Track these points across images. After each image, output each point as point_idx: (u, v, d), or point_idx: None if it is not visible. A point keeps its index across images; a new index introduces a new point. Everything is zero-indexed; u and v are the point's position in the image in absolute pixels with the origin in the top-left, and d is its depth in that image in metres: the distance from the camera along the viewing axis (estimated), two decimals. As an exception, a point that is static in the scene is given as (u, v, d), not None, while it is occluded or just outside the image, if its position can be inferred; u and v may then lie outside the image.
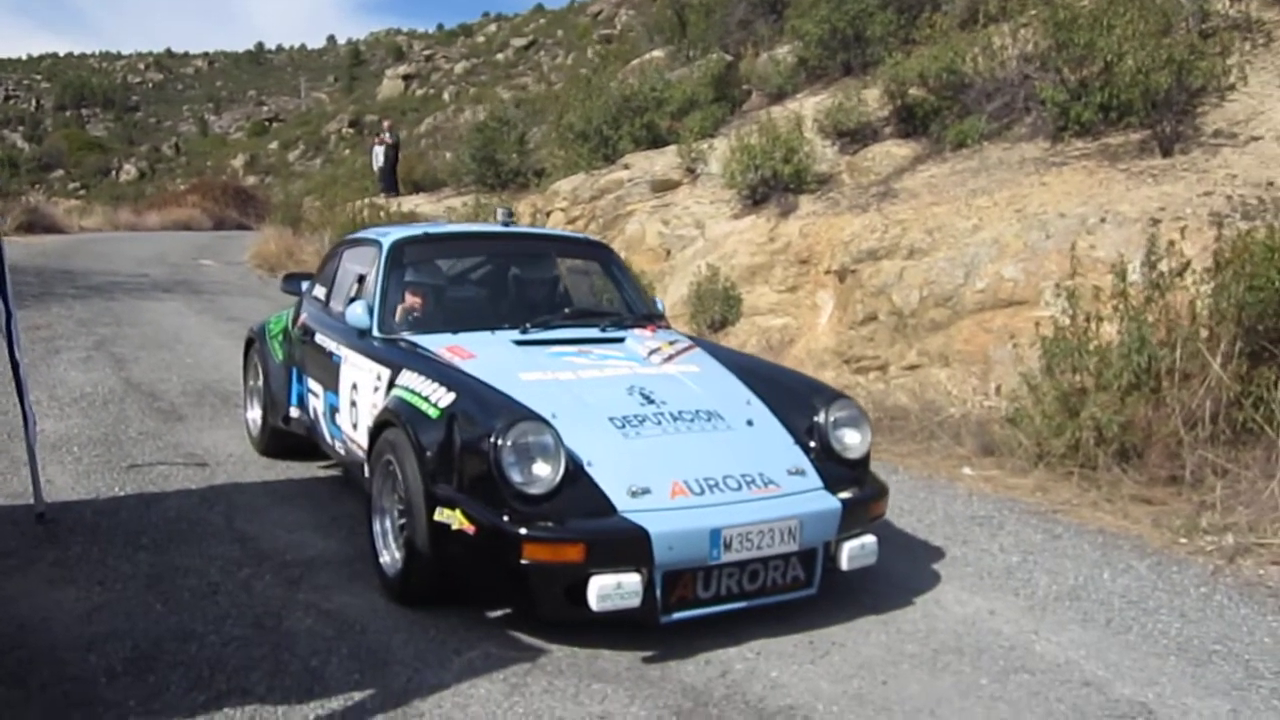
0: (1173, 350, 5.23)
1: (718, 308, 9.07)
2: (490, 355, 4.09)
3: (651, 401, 3.78)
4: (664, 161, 11.95)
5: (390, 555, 3.83)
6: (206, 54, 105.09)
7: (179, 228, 25.20)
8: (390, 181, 19.82)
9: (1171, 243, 5.52)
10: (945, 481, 5.54)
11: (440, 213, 15.77)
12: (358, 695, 3.07)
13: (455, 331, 4.36)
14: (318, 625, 3.55)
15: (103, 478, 5.25)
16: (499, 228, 5.26)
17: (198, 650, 3.34)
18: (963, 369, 7.10)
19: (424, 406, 3.66)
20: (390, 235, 4.91)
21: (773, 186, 9.78)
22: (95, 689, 3.08)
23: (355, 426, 4.46)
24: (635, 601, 3.23)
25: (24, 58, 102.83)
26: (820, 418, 3.84)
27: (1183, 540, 4.47)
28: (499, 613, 3.62)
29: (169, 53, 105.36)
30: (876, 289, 7.96)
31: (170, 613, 3.63)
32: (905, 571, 4.12)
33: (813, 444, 3.80)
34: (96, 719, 2.92)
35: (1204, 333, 5.27)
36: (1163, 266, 5.43)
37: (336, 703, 3.02)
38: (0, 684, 3.09)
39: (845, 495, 3.62)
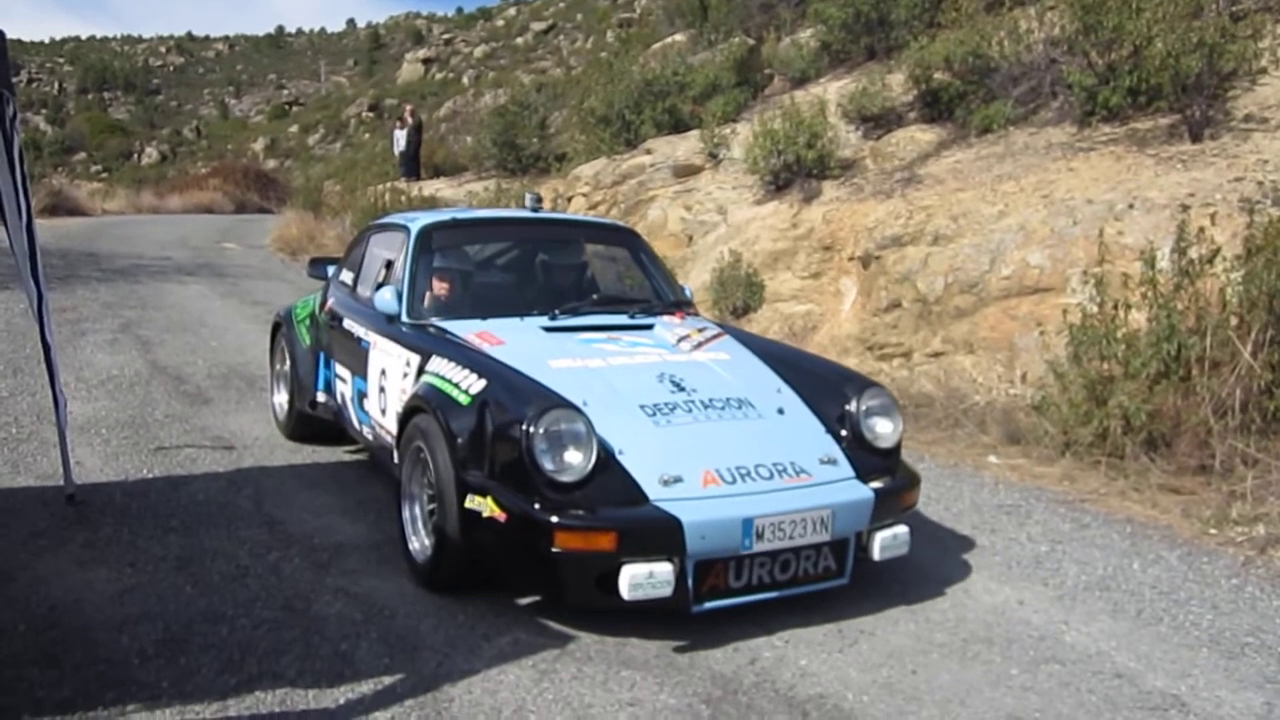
0: (1202, 338, 5.17)
1: (740, 294, 9.04)
2: (520, 342, 4.07)
3: (682, 389, 3.76)
4: (686, 146, 11.90)
5: (420, 542, 3.83)
6: (227, 37, 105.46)
7: (200, 211, 25.34)
8: (412, 166, 19.82)
9: (1201, 229, 5.46)
10: (971, 470, 5.52)
11: (461, 197, 15.79)
12: (388, 680, 3.08)
13: (484, 317, 4.35)
14: (347, 609, 3.56)
15: (131, 460, 5.28)
16: (527, 213, 5.21)
17: (228, 633, 3.36)
18: (988, 356, 7.05)
19: (454, 393, 3.64)
20: (418, 220, 4.88)
21: (796, 172, 9.73)
22: (128, 670, 3.10)
23: (384, 412, 4.45)
24: (667, 591, 3.20)
25: (46, 41, 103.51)
26: (852, 406, 3.80)
27: (1213, 531, 4.44)
28: (527, 599, 3.62)
29: (190, 36, 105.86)
30: (901, 275, 7.90)
31: (200, 595, 3.66)
32: (933, 560, 4.10)
33: (844, 433, 3.76)
34: (129, 700, 2.93)
35: (1234, 320, 5.21)
36: (1193, 253, 5.38)
37: (366, 687, 3.04)
38: (34, 664, 3.12)
39: (877, 485, 3.59)
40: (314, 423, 5.57)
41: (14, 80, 4.12)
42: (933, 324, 7.56)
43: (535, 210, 5.25)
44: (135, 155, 68.55)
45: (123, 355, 7.81)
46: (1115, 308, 5.49)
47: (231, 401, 6.61)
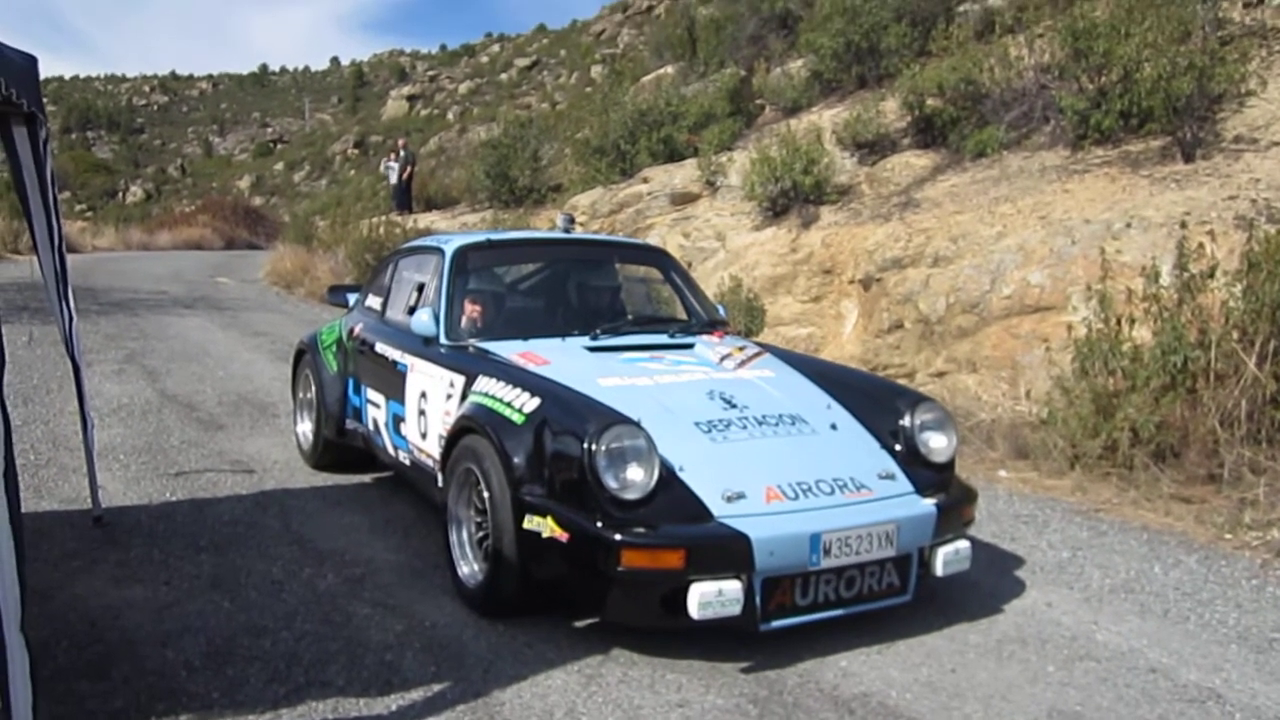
0: (1206, 351, 5.28)
1: (741, 319, 9.12)
2: (565, 362, 4.03)
3: (734, 406, 3.73)
4: (683, 174, 12.06)
5: (470, 567, 3.77)
6: (211, 76, 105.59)
7: (190, 247, 25.42)
8: (404, 199, 19.94)
9: (1200, 245, 5.59)
10: (984, 483, 5.57)
11: (456, 229, 15.87)
12: (436, 687, 3.11)
13: (525, 338, 4.30)
14: (387, 621, 3.60)
15: (152, 484, 5.30)
16: (560, 234, 5.21)
17: (271, 645, 3.39)
18: (991, 374, 7.16)
19: (507, 412, 3.59)
20: (453, 242, 4.85)
21: (793, 198, 9.89)
22: (177, 681, 3.13)
23: (424, 436, 4.39)
24: (736, 609, 3.13)
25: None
26: (905, 421, 3.76)
27: (1228, 536, 4.53)
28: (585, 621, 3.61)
29: (173, 75, 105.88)
30: (902, 297, 8.03)
31: (239, 610, 3.69)
32: (957, 567, 4.15)
33: (898, 448, 3.72)
34: (182, 710, 2.96)
35: (1237, 333, 5.33)
36: (1193, 269, 5.50)
37: (416, 694, 3.07)
38: (83, 678, 3.15)
39: (938, 499, 3.55)
40: (342, 451, 5.49)
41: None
42: (935, 344, 7.68)
43: (568, 231, 5.24)
44: (120, 194, 68.55)
45: (131, 385, 7.83)
46: (1119, 323, 5.60)
47: (245, 427, 6.64)
